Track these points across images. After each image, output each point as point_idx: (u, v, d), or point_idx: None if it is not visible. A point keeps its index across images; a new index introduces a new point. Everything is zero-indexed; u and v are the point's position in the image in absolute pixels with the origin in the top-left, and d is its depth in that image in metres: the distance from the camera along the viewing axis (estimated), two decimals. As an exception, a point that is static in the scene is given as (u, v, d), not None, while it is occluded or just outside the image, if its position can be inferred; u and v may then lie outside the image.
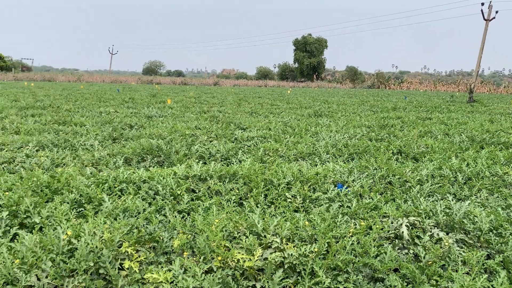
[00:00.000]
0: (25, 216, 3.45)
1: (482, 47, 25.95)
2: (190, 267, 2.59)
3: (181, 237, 2.98)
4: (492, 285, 2.52)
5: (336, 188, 4.69)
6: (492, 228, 3.46)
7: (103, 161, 6.06)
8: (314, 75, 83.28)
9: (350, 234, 3.16)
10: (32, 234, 2.95)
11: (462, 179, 5.40)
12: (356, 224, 3.48)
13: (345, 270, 2.69)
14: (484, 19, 27.83)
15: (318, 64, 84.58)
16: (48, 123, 10.10)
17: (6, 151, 6.54)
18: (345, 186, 4.79)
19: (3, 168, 5.55)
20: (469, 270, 2.86)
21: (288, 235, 3.12)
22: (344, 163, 6.32)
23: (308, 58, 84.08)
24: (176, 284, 2.46)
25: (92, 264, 2.53)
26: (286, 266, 2.71)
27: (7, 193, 3.81)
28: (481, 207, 4.15)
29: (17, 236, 3.03)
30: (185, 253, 2.85)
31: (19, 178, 4.51)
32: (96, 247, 2.67)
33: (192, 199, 4.37)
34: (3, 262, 2.51)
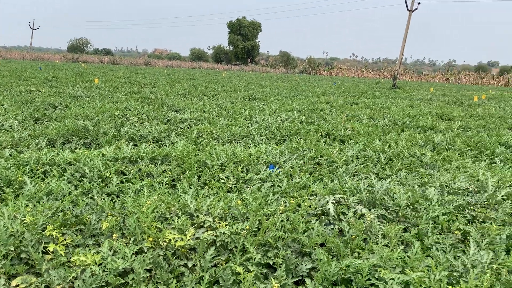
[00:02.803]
0: None
1: (405, 37, 27.51)
2: (119, 249, 2.53)
3: (110, 219, 2.90)
4: (407, 255, 2.74)
5: (268, 168, 4.80)
6: (409, 204, 3.75)
7: (24, 142, 5.67)
8: (249, 59, 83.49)
9: (280, 212, 3.26)
10: None
11: (384, 159, 5.76)
12: (286, 202, 3.60)
13: (275, 246, 2.79)
14: (408, 9, 29.45)
15: (253, 48, 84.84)
16: (-41, 102, 9.21)
17: None
18: (276, 167, 4.92)
19: None
20: (388, 242, 3.08)
21: (220, 215, 3.16)
22: (276, 145, 6.46)
23: (243, 42, 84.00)
24: (105, 266, 2.40)
25: (12, 248, 2.39)
26: (218, 244, 2.75)
27: None
28: (400, 185, 4.47)
29: None
30: (114, 235, 2.78)
31: None
32: (17, 231, 2.52)
33: (122, 182, 4.25)
34: None
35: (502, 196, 4.23)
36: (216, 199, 3.40)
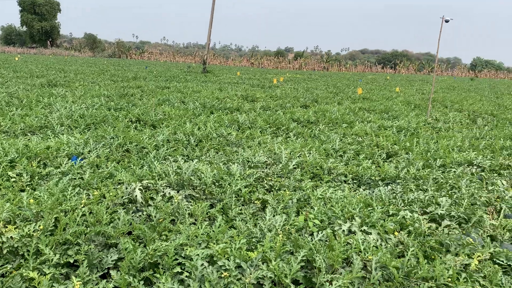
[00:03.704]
0: None
1: (211, 22, 28.61)
2: None
3: None
4: (212, 230, 2.89)
5: (70, 160, 4.41)
6: (215, 181, 3.95)
7: None
8: (48, 42, 74.77)
9: (82, 205, 3.04)
10: None
11: (194, 141, 5.93)
12: (89, 195, 3.38)
13: (76, 243, 2.59)
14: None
15: (52, 29, 76.23)
16: None
17: None
18: (80, 158, 4.56)
19: None
20: (195, 220, 3.19)
21: (8, 218, 2.76)
22: (81, 134, 5.99)
23: (39, 22, 74.60)
24: None
25: None
26: (5, 251, 2.40)
27: None
28: (208, 165, 4.67)
29: None
30: None
31: None
32: None
33: None
34: None
35: (293, 165, 4.83)
36: (3, 201, 2.96)
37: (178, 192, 3.63)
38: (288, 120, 8.22)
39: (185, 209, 3.24)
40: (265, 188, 4.23)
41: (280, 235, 2.87)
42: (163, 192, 3.56)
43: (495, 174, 5.28)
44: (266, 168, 4.82)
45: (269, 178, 4.46)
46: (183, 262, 2.52)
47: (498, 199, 4.31)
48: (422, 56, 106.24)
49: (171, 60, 71.09)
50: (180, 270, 2.43)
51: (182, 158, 4.56)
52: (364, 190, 4.45)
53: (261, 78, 24.56)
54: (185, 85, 15.68)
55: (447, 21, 10.19)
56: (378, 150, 6.05)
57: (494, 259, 2.95)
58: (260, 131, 7.17)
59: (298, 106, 11.36)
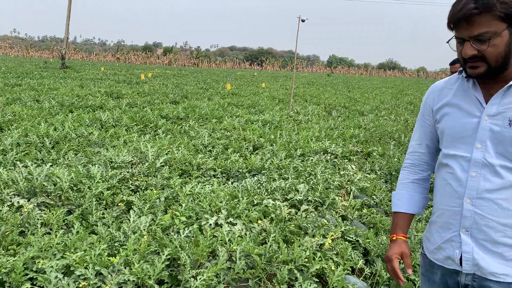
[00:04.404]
0: None
1: (68, 15, 26.39)
2: None
3: None
4: (69, 238, 2.67)
5: None
6: (73, 185, 3.66)
7: None
8: None
9: None
10: None
11: (50, 143, 5.41)
12: None
13: None
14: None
15: None
16: None
17: None
18: None
19: None
20: (50, 230, 2.91)
21: None
22: None
23: None
24: None
25: None
26: None
27: None
28: (66, 168, 4.30)
29: None
30: None
31: None
32: None
33: None
34: None
35: (161, 163, 4.73)
36: None
37: (29, 200, 3.27)
38: (156, 117, 8.03)
39: (37, 219, 2.93)
40: (131, 188, 4.06)
41: (145, 236, 2.78)
42: (11, 201, 3.17)
43: (346, 160, 5.89)
44: (131, 168, 4.63)
45: (135, 178, 4.29)
46: (34, 277, 2.28)
47: (348, 182, 4.81)
48: (286, 53, 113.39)
49: (24, 55, 63.93)
50: (30, 287, 2.19)
51: (34, 163, 4.12)
52: (232, 183, 4.57)
53: (128, 74, 23.56)
54: (40, 82, 14.22)
55: (303, 21, 11.01)
56: (246, 144, 6.27)
57: (345, 237, 3.29)
58: (125, 129, 6.86)
59: (168, 102, 11.17)
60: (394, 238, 1.55)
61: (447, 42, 1.36)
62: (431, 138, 1.53)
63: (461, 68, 1.41)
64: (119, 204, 3.53)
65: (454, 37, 1.32)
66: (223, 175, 4.85)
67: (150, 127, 7.31)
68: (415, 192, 1.58)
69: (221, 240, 2.78)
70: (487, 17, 1.22)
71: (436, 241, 1.45)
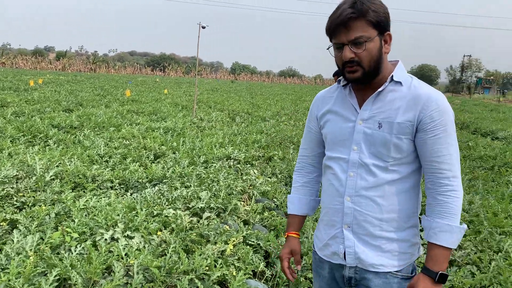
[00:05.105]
0: None
1: None
2: None
3: None
4: None
5: None
6: None
7: None
8: None
9: None
10: None
11: None
12: None
13: None
14: None
15: None
16: None
17: None
18: None
19: None
20: None
21: None
22: None
23: None
24: None
25: None
26: None
27: None
28: None
29: None
30: None
31: None
32: None
33: None
34: None
35: (51, 176, 4.37)
36: None
37: None
38: (47, 126, 7.42)
39: None
40: (15, 206, 3.69)
41: (31, 257, 2.54)
42: None
43: (249, 165, 6.00)
44: (17, 183, 4.20)
45: (21, 194, 3.91)
46: None
47: (251, 187, 4.90)
48: (189, 59, 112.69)
49: None
50: None
51: None
52: (131, 194, 4.38)
53: (15, 80, 21.48)
54: None
55: (204, 27, 11.03)
56: (146, 152, 6.07)
57: (247, 241, 3.33)
58: (10, 141, 6.23)
59: (60, 111, 10.40)
60: (286, 236, 1.68)
61: (327, 49, 1.45)
62: (317, 143, 1.63)
63: (339, 78, 1.52)
64: (1, 223, 3.18)
65: (333, 44, 1.42)
66: (121, 186, 4.64)
67: (40, 137, 6.73)
68: (304, 195, 1.69)
69: (117, 255, 2.64)
70: (362, 22, 1.33)
71: (324, 238, 1.55)
